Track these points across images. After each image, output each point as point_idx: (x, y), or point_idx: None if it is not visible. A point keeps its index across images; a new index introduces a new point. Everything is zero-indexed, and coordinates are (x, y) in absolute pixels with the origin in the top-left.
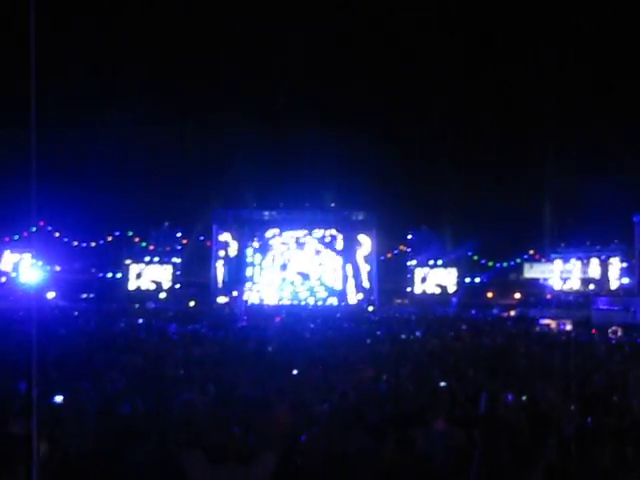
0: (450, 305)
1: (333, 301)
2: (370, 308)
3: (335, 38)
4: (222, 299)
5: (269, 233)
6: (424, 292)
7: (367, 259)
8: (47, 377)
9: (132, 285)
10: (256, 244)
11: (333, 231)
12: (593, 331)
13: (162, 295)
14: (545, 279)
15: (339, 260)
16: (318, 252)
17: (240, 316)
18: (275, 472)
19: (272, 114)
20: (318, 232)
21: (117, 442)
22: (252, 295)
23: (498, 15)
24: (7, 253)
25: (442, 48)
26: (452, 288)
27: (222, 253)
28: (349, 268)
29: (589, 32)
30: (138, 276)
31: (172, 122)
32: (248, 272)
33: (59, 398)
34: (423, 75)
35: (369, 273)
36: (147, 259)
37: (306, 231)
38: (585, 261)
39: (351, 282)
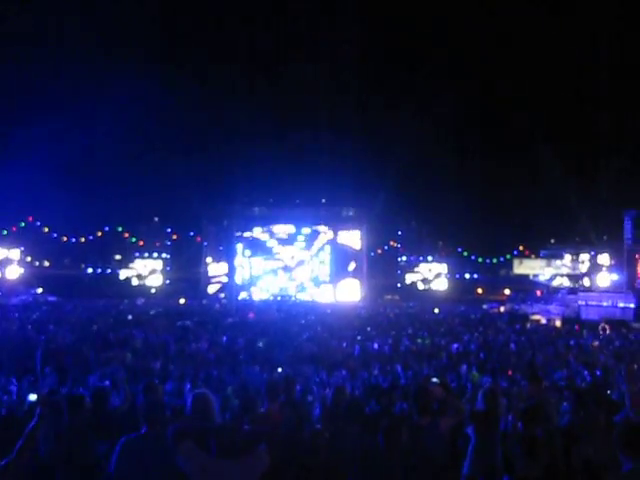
0: (440, 300)
1: (323, 297)
2: (361, 304)
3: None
4: (212, 289)
5: (259, 229)
6: (414, 287)
7: (357, 255)
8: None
9: (122, 281)
10: (246, 240)
11: (323, 227)
12: (576, 327)
13: (152, 290)
14: (535, 275)
15: (328, 256)
16: (308, 248)
17: (230, 312)
18: (270, 468)
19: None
20: (308, 228)
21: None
22: (242, 291)
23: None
24: None
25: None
26: (442, 284)
27: (212, 249)
28: (339, 264)
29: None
30: (128, 272)
31: (163, 118)
32: (238, 268)
33: (33, 396)
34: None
35: (360, 269)
36: (137, 255)
37: (296, 227)
38: (575, 257)
39: (341, 278)
